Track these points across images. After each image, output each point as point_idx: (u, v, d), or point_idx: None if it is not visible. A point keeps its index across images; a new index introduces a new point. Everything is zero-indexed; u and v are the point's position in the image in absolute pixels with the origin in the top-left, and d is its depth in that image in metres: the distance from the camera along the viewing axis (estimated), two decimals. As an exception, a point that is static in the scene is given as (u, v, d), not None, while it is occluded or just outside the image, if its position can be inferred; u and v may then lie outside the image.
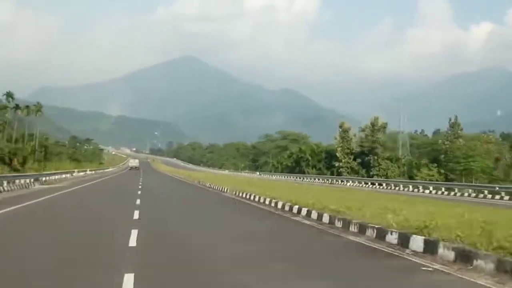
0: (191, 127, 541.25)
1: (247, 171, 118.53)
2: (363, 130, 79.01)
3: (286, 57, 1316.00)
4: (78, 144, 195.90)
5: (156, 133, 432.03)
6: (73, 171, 56.92)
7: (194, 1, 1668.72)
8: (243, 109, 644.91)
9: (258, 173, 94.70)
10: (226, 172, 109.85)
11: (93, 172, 76.52)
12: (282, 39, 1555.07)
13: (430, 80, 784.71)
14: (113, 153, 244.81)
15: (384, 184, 53.58)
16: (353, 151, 78.71)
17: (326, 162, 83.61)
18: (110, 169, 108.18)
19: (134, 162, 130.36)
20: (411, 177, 75.01)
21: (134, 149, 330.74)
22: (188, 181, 53.71)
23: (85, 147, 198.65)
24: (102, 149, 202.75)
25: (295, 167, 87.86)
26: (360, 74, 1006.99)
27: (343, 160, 77.98)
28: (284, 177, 77.84)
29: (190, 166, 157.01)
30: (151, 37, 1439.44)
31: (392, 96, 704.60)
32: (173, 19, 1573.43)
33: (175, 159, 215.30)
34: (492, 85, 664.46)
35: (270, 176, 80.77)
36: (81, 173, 62.33)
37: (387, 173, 76.63)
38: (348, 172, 77.34)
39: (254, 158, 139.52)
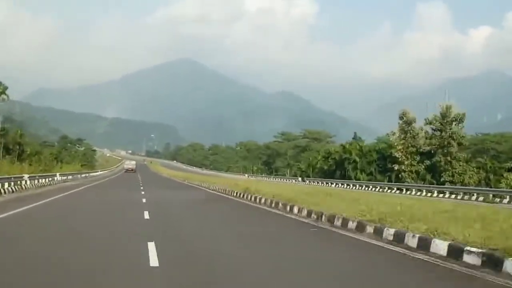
0: (189, 130, 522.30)
1: (264, 175, 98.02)
2: (429, 123, 58.38)
3: (284, 60, 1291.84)
4: (68, 144, 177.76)
5: (152, 135, 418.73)
6: (22, 177, 33.08)
7: (193, 3, 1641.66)
8: (241, 111, 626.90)
9: (299, 179, 72.79)
10: (247, 177, 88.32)
11: (68, 177, 55.08)
12: (280, 42, 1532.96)
13: (429, 84, 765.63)
14: (108, 155, 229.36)
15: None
16: (420, 149, 57.99)
17: (378, 165, 63.04)
18: (99, 173, 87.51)
19: (130, 164, 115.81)
20: (488, 184, 55.58)
21: (130, 151, 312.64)
22: (237, 199, 29.00)
23: (77, 148, 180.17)
24: (94, 150, 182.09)
25: (335, 170, 67.22)
26: (359, 77, 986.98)
27: (405, 162, 57.36)
28: (343, 185, 56.39)
29: (195, 169, 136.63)
30: (149, 39, 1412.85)
31: (391, 99, 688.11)
32: (171, 21, 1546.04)
33: (175, 161, 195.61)
34: (491, 89, 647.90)
35: (323, 185, 59.19)
36: (43, 180, 39.43)
37: (463, 179, 56.34)
38: (412, 178, 56.88)
39: (268, 160, 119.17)
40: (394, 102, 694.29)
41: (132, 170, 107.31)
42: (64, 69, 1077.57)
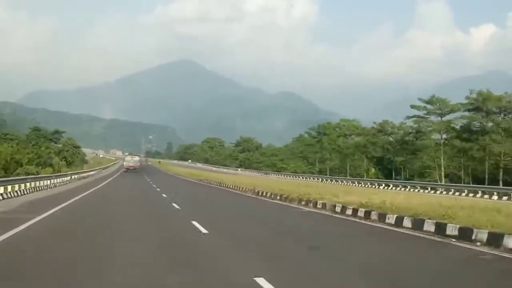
0: (187, 130, 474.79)
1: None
2: None
3: (285, 61, 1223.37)
4: (42, 139, 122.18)
5: (150, 136, 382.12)
6: None
7: (192, 3, 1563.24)
8: (241, 112, 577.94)
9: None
10: None
11: None
12: (280, 43, 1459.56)
13: (432, 84, 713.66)
14: (101, 156, 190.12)
15: None
16: None
17: None
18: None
19: (131, 161, 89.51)
20: None
21: (127, 153, 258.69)
22: None
23: (53, 144, 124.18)
24: (78, 147, 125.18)
25: None
26: (360, 77, 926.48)
27: None
28: None
29: (242, 172, 79.14)
30: (147, 40, 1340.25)
31: (393, 99, 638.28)
32: (169, 21, 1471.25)
33: (189, 161, 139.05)
34: (494, 89, 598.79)
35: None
36: None
37: None
38: None
39: (384, 157, 62.49)
40: (398, 102, 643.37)
41: (134, 168, 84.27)
42: (61, 70, 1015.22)
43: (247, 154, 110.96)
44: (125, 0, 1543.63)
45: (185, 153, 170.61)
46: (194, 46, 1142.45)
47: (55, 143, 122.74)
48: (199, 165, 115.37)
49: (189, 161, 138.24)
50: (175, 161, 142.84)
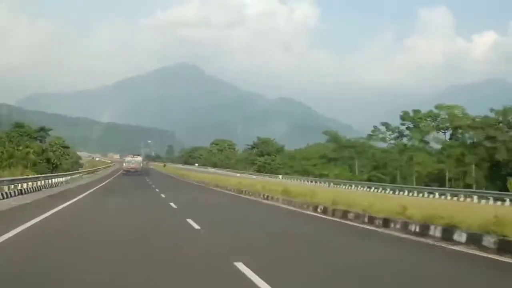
0: (187, 135, 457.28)
1: None
2: None
3: (284, 66, 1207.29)
4: (25, 137, 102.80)
5: (149, 141, 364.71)
6: None
7: (192, 8, 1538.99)
8: (241, 117, 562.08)
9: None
10: None
11: None
12: (280, 48, 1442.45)
13: (431, 90, 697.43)
14: (97, 159, 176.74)
15: None
16: None
17: None
18: None
19: (133, 162, 74.65)
20: None
21: (126, 155, 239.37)
22: None
23: (38, 142, 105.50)
24: (67, 148, 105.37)
25: None
26: (360, 84, 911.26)
27: None
28: None
29: (296, 181, 54.30)
30: (146, 43, 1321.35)
31: (393, 106, 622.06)
32: (169, 26, 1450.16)
33: (196, 165, 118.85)
34: (495, 97, 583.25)
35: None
36: None
37: None
38: None
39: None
40: (399, 109, 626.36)
41: (135, 170, 70.17)
42: (59, 74, 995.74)
43: (267, 158, 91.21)
44: (125, 4, 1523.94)
45: (189, 157, 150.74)
46: (194, 50, 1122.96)
47: (41, 142, 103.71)
48: (211, 169, 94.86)
49: (196, 164, 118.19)
50: (180, 165, 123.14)
